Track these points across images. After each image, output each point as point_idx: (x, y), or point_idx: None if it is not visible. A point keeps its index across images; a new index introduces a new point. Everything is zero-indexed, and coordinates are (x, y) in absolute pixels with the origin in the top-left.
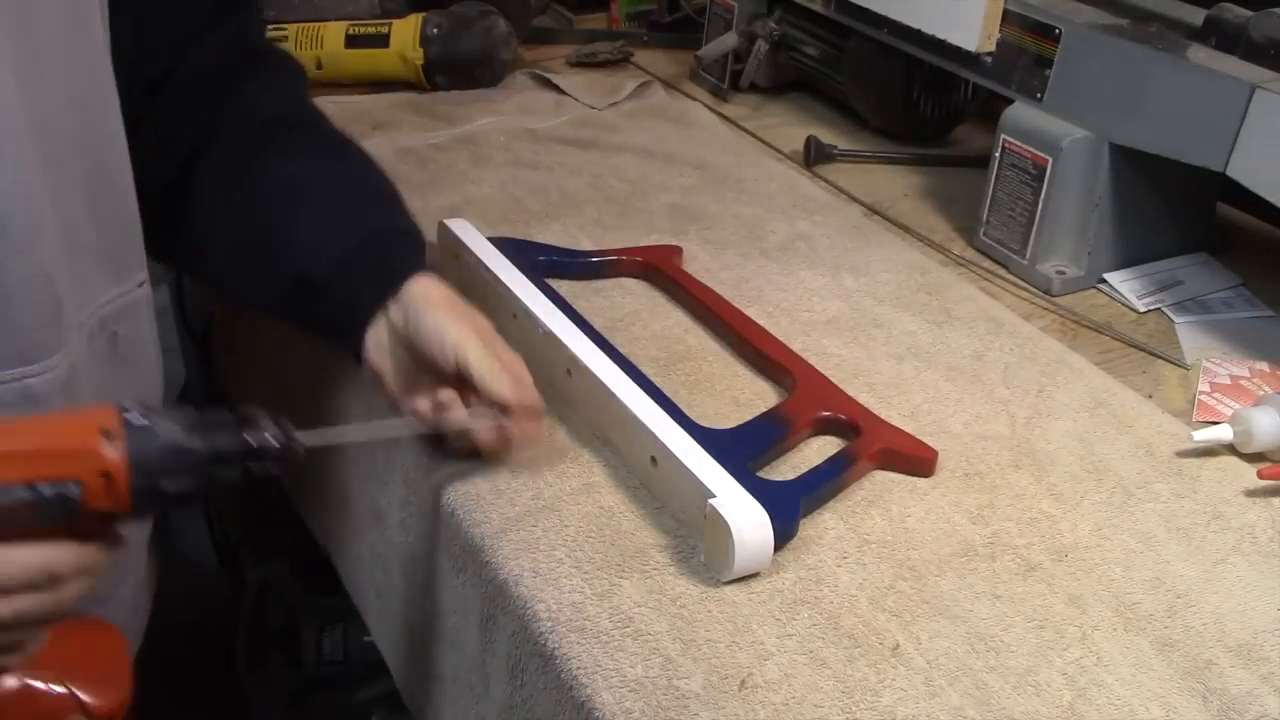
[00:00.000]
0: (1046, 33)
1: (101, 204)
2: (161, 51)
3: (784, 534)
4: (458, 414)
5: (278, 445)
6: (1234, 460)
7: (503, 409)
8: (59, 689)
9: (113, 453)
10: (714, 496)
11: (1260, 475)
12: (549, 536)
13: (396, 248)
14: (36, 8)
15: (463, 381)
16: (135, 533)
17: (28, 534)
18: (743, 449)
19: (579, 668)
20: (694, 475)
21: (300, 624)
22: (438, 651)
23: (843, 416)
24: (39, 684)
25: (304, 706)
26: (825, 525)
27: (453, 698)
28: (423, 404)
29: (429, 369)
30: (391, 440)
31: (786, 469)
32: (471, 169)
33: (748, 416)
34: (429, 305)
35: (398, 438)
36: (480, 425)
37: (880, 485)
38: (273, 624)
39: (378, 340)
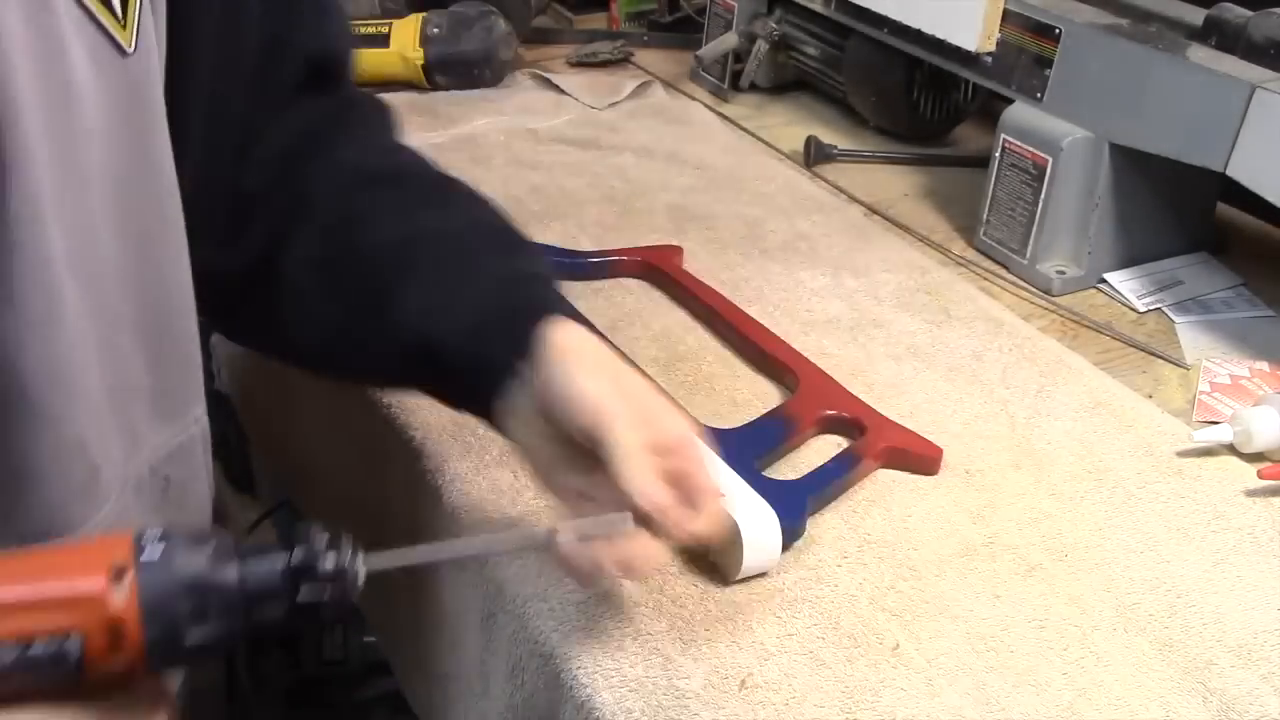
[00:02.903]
0: (1046, 33)
1: (158, 342)
2: (247, 125)
3: (792, 533)
4: (564, 534)
5: (333, 579)
6: (1234, 460)
7: (641, 517)
8: None
9: (121, 597)
10: (721, 496)
11: (1260, 475)
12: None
13: (525, 294)
14: (81, 125)
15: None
16: None
17: (28, 695)
18: (749, 448)
19: (579, 667)
20: None
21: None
22: (438, 651)
23: (847, 415)
24: None
25: (304, 706)
26: (826, 525)
27: (453, 697)
28: (569, 489)
29: (577, 444)
30: (475, 555)
31: (792, 468)
32: (471, 169)
33: (747, 416)
34: (563, 358)
35: (490, 556)
36: (583, 551)
37: (881, 485)
38: None
39: (513, 409)
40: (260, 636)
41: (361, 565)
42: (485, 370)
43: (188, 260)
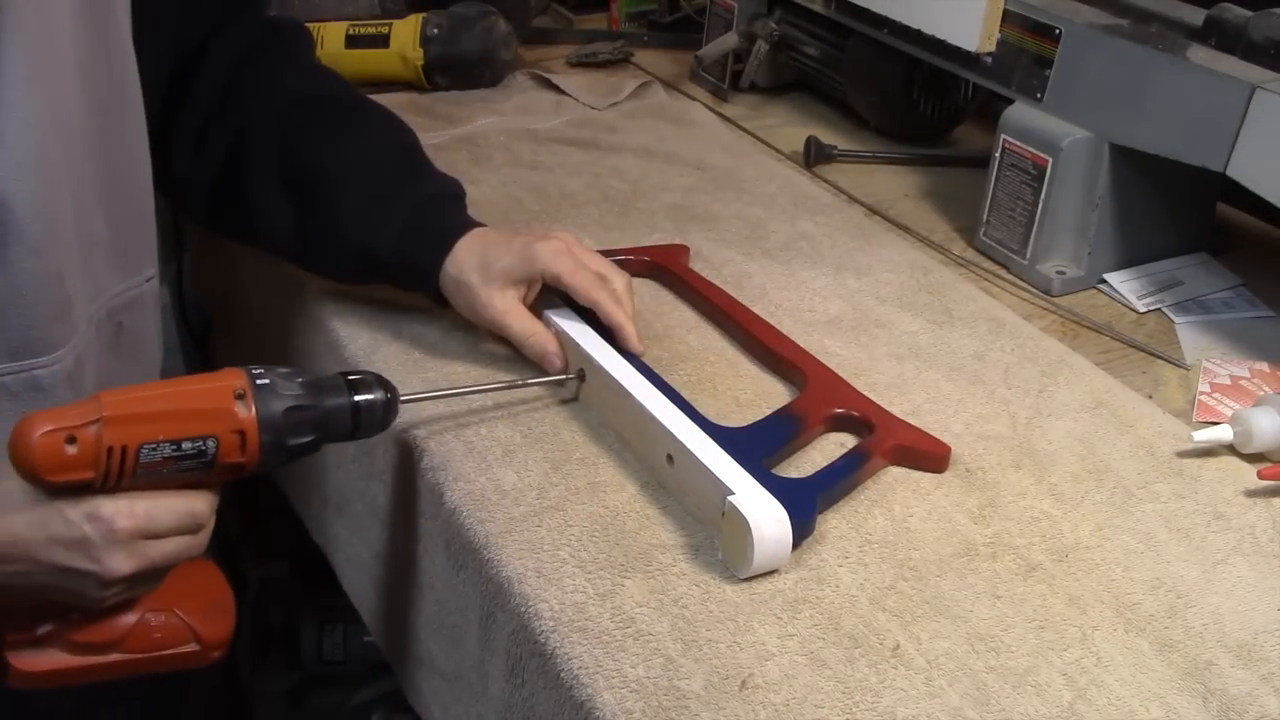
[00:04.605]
0: (1046, 33)
1: (116, 203)
2: (185, 39)
3: (802, 531)
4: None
5: (382, 401)
6: (1234, 460)
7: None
8: (174, 620)
9: (245, 412)
10: (732, 494)
11: (1260, 475)
12: (553, 536)
13: (438, 212)
14: (54, 14)
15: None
16: None
17: (170, 483)
18: (758, 446)
19: (580, 667)
20: (712, 473)
21: (300, 624)
22: (437, 650)
23: (856, 413)
24: (157, 617)
25: (304, 706)
26: (827, 525)
27: (453, 696)
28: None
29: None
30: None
31: (800, 466)
32: (472, 169)
33: (753, 415)
34: (464, 279)
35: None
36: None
37: (882, 485)
38: (273, 624)
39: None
40: (332, 441)
41: (400, 396)
42: (415, 272)
43: (145, 135)
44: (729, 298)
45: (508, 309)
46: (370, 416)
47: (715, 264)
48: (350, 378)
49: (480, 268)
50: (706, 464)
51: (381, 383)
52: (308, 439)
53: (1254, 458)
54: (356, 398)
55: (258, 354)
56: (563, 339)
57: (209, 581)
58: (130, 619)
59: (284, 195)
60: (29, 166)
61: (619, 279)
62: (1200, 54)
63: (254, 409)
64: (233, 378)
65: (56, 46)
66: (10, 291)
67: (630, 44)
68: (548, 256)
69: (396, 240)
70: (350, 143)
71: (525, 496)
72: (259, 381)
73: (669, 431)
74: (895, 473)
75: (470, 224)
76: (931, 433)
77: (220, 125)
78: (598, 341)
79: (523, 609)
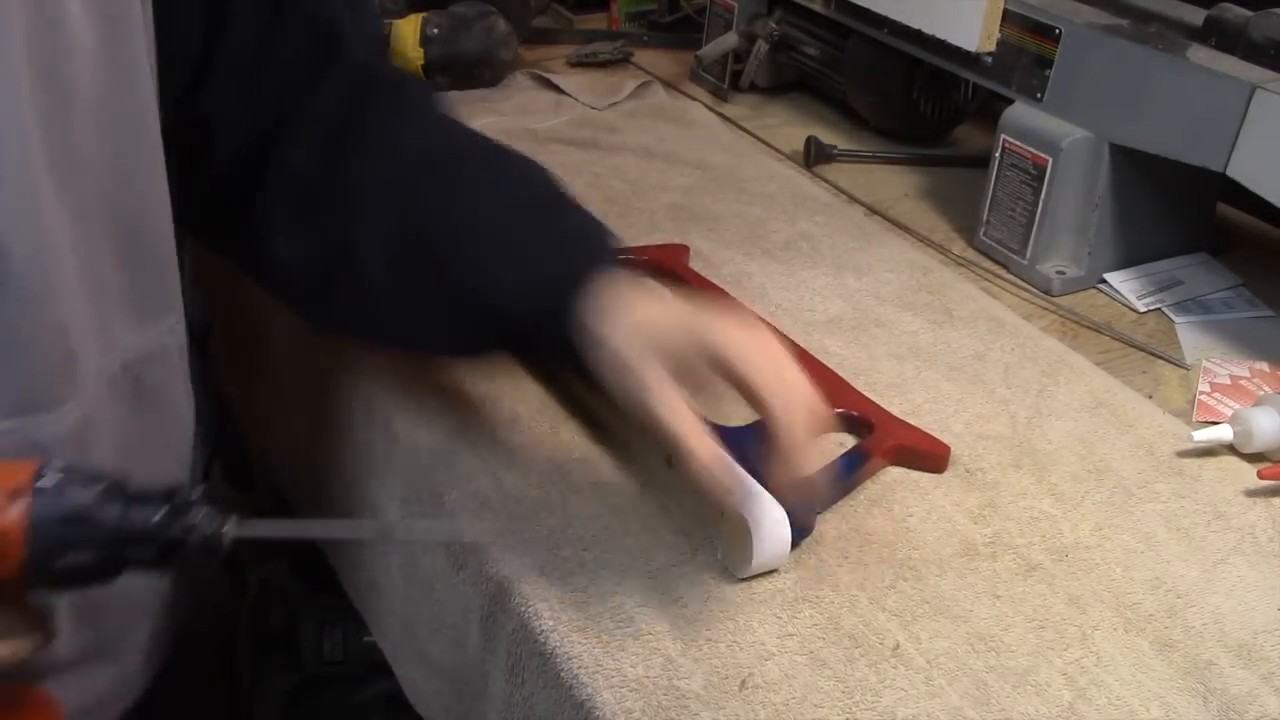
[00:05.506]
0: (1046, 33)
1: (133, 250)
2: (264, 105)
3: (802, 531)
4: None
5: (202, 535)
6: (1234, 460)
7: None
8: None
9: (10, 515)
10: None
11: (1260, 475)
12: (553, 535)
13: (571, 255)
14: (69, 63)
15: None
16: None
17: None
18: (757, 446)
19: (580, 667)
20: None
21: (300, 624)
22: (437, 650)
23: (856, 413)
24: None
25: (304, 706)
26: (827, 525)
27: (453, 696)
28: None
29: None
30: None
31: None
32: None
33: (751, 415)
34: (599, 321)
35: (362, 539)
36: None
37: (882, 484)
38: (273, 624)
39: (581, 361)
40: (129, 570)
41: (232, 528)
42: (542, 317)
43: (164, 177)
44: (730, 297)
45: (660, 389)
46: (184, 549)
47: (715, 264)
48: (176, 496)
49: (627, 322)
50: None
51: (213, 509)
52: (88, 558)
53: (1254, 458)
54: (162, 520)
55: (259, 359)
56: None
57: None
58: None
59: (398, 267)
60: (27, 213)
61: (813, 399)
62: (1200, 54)
63: (24, 510)
64: (15, 471)
65: (67, 84)
66: (4, 345)
67: (630, 44)
68: (726, 328)
69: (520, 279)
70: (477, 193)
71: (525, 496)
72: (41, 482)
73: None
74: (895, 473)
75: (618, 266)
76: (931, 433)
77: (320, 198)
78: None
79: (523, 609)
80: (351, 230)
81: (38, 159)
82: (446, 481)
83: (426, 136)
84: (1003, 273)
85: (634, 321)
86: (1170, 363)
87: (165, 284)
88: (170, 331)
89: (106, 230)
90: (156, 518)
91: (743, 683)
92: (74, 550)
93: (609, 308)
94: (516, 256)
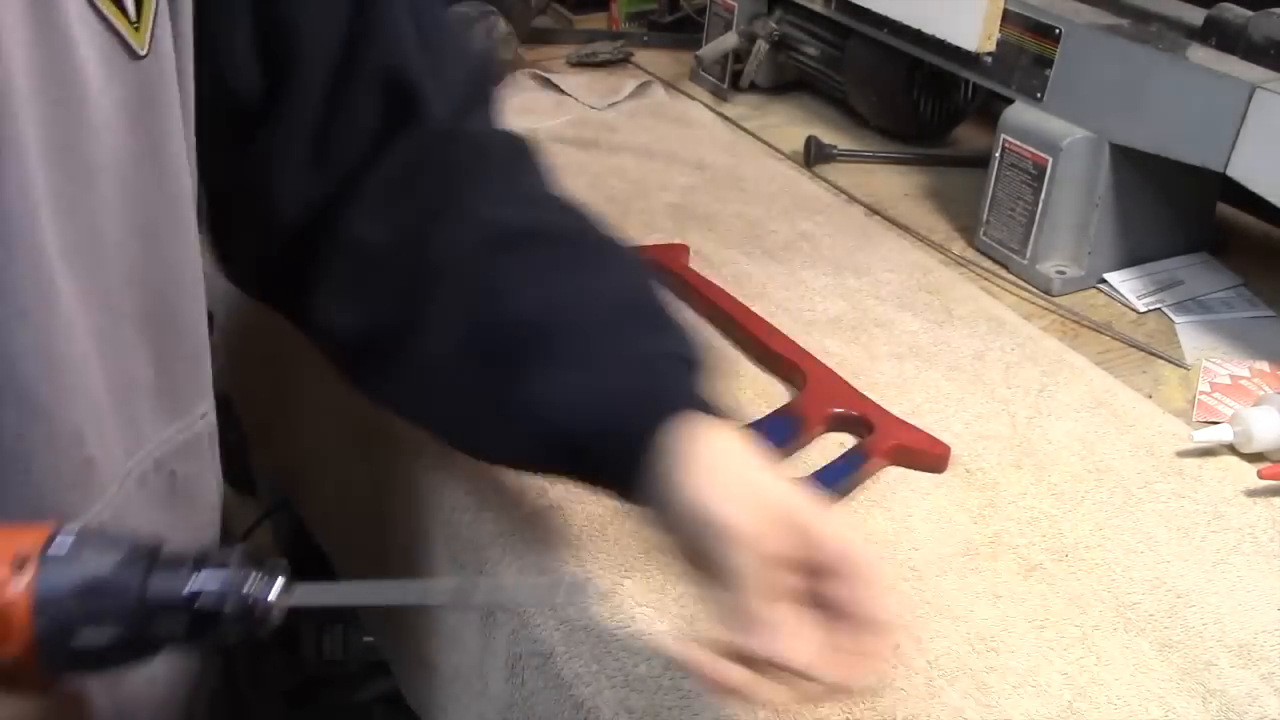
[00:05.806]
0: (1046, 33)
1: (163, 338)
2: (327, 170)
3: None
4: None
5: (241, 602)
6: (1234, 460)
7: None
8: None
9: (15, 587)
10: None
11: (1260, 475)
12: (553, 535)
13: (661, 382)
14: (88, 123)
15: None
16: None
17: None
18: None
19: (580, 667)
20: None
21: (300, 624)
22: (437, 649)
23: (856, 413)
24: None
25: (304, 706)
26: None
27: (453, 696)
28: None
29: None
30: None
31: (800, 466)
32: None
33: (752, 414)
34: (689, 466)
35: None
36: (716, 676)
37: (883, 485)
38: None
39: (647, 506)
40: (160, 648)
41: (278, 596)
42: (610, 445)
43: (198, 258)
44: (729, 297)
45: (758, 582)
46: (215, 617)
47: (715, 263)
48: (209, 559)
49: (725, 475)
50: None
51: (257, 572)
52: (107, 635)
53: (1254, 457)
54: (193, 589)
55: (263, 351)
56: None
57: None
58: None
59: (462, 358)
60: (36, 314)
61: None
62: (1200, 54)
63: (30, 581)
64: (28, 537)
65: (89, 161)
66: (11, 457)
67: (630, 44)
68: (841, 546)
69: (594, 400)
70: (566, 287)
71: (525, 496)
72: (51, 549)
73: None
74: (895, 472)
75: (712, 406)
76: (931, 432)
77: (384, 270)
78: None
79: (523, 609)
80: (415, 310)
81: (52, 252)
82: (445, 481)
83: (522, 211)
84: (1003, 273)
85: (736, 498)
86: (1170, 362)
87: (199, 371)
88: (202, 418)
89: (133, 318)
90: (184, 585)
91: None
92: (92, 625)
93: (693, 445)
94: (597, 366)
